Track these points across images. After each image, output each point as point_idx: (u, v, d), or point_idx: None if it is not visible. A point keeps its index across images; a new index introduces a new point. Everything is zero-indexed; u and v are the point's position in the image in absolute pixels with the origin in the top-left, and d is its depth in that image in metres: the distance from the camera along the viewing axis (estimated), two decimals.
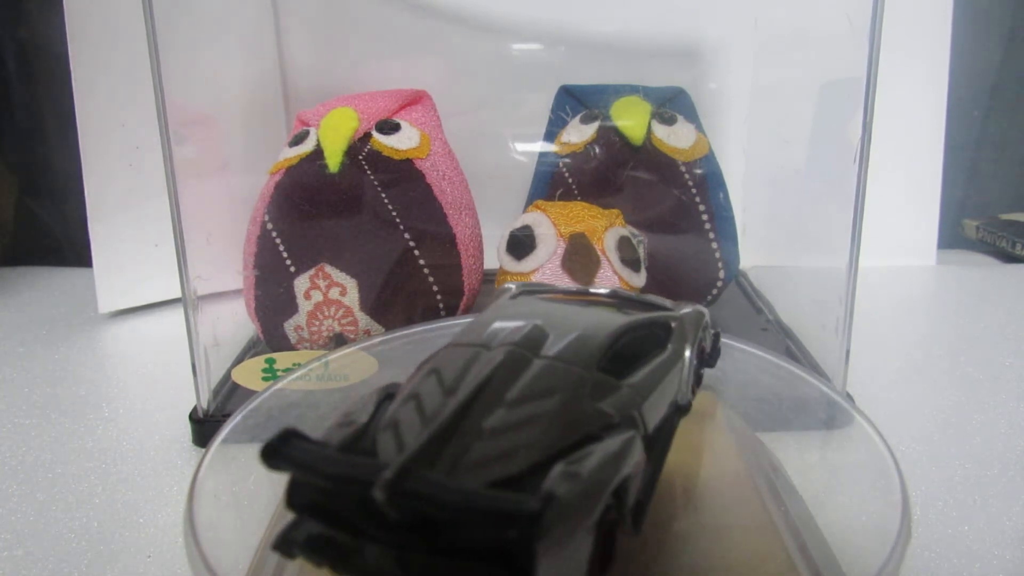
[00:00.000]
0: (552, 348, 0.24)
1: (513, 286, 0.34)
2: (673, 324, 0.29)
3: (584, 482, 0.19)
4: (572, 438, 0.21)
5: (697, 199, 0.49)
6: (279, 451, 0.20)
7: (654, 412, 0.25)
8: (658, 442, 0.26)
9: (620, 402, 0.23)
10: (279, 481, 0.21)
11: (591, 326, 0.26)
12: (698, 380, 0.30)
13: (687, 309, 0.31)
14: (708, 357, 0.32)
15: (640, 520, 0.23)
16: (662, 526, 0.29)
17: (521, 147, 0.58)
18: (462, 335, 0.26)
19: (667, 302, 0.32)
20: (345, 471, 0.19)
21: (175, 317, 0.51)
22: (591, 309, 0.29)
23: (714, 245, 0.49)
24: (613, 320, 0.26)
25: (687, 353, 0.28)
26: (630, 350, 0.26)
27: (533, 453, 0.20)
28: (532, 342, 0.24)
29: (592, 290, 0.34)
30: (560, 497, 0.18)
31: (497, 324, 0.26)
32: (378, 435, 0.21)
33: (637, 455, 0.22)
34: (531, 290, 0.33)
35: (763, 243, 0.58)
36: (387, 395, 0.24)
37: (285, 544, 0.20)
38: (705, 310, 0.31)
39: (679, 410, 0.28)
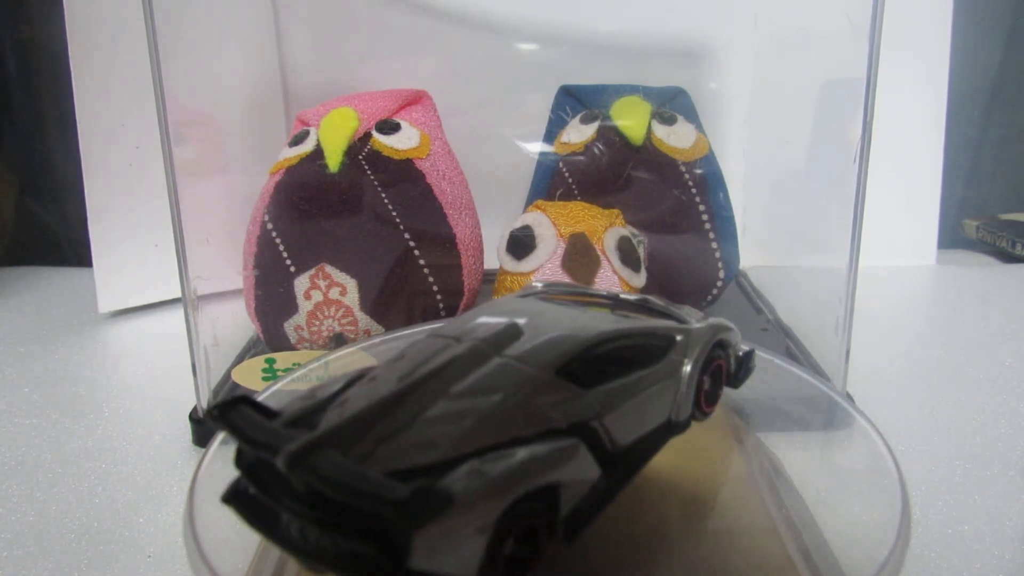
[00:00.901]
0: (517, 348, 0.24)
1: (540, 284, 0.33)
2: (678, 337, 0.28)
3: (486, 481, 0.19)
4: (501, 437, 0.21)
5: (697, 199, 0.49)
6: (224, 414, 0.21)
7: (626, 424, 0.25)
8: (630, 456, 0.25)
9: (572, 409, 0.23)
10: None
11: (571, 331, 0.25)
12: (710, 398, 0.29)
13: (702, 323, 0.29)
14: (731, 376, 0.30)
15: (574, 531, 0.22)
16: (663, 528, 0.29)
17: (521, 147, 0.58)
18: (444, 326, 0.26)
19: (694, 315, 0.30)
20: (265, 439, 0.20)
21: (175, 317, 0.51)
22: (588, 314, 0.28)
23: (714, 245, 0.49)
24: (599, 327, 0.26)
25: (687, 368, 0.27)
26: (614, 359, 0.25)
27: (456, 446, 0.20)
28: (500, 340, 0.24)
29: (623, 296, 0.33)
30: (441, 491, 0.18)
31: (480, 319, 0.26)
32: (329, 411, 0.22)
33: (578, 464, 0.22)
34: (562, 290, 0.32)
35: (763, 243, 0.58)
36: (360, 376, 0.24)
37: (230, 497, 0.21)
38: (729, 325, 0.30)
39: (672, 427, 0.27)
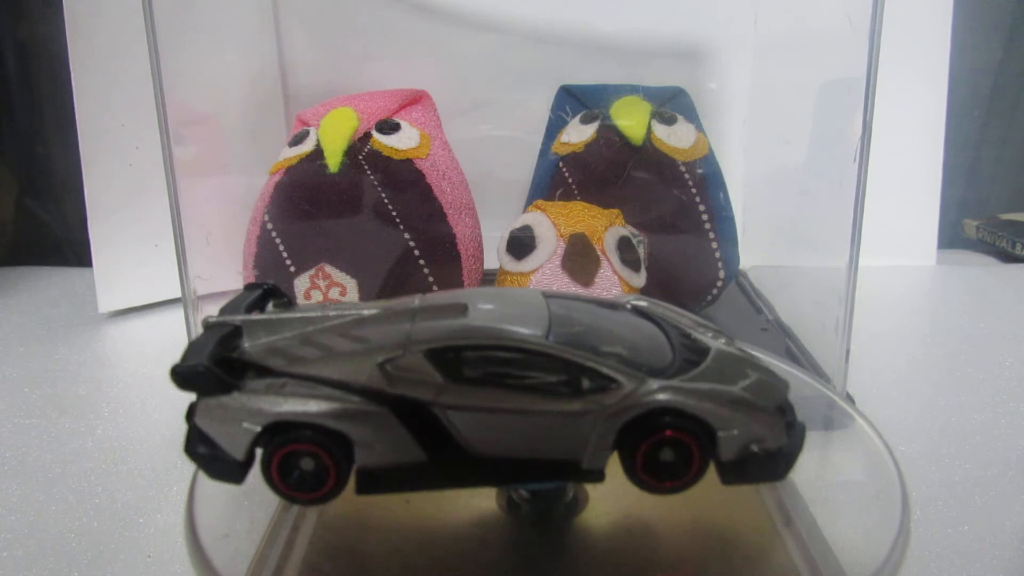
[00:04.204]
0: (427, 323, 0.25)
1: (631, 297, 0.31)
2: (628, 385, 0.24)
3: (274, 396, 0.24)
4: (326, 376, 0.24)
5: (697, 199, 0.49)
6: (249, 288, 0.28)
7: (494, 434, 0.24)
8: (503, 468, 0.25)
9: (413, 387, 0.24)
10: None
11: (494, 328, 0.25)
12: (657, 471, 0.24)
13: (658, 383, 0.24)
14: (724, 466, 0.24)
15: (368, 486, 0.25)
16: (662, 528, 0.29)
17: (521, 147, 0.58)
18: (442, 293, 0.29)
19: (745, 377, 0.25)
20: (227, 311, 0.26)
21: (175, 317, 0.51)
22: (552, 324, 0.25)
23: (714, 245, 0.49)
24: (533, 333, 0.24)
25: (602, 421, 0.24)
26: (511, 369, 0.24)
27: (295, 367, 0.24)
28: (429, 311, 0.26)
29: (701, 322, 0.29)
30: (217, 379, 0.24)
31: (461, 294, 0.27)
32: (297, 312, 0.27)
33: (381, 432, 0.24)
34: (642, 306, 0.30)
35: (763, 243, 0.58)
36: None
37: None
38: (733, 401, 0.24)
39: (576, 469, 0.24)
